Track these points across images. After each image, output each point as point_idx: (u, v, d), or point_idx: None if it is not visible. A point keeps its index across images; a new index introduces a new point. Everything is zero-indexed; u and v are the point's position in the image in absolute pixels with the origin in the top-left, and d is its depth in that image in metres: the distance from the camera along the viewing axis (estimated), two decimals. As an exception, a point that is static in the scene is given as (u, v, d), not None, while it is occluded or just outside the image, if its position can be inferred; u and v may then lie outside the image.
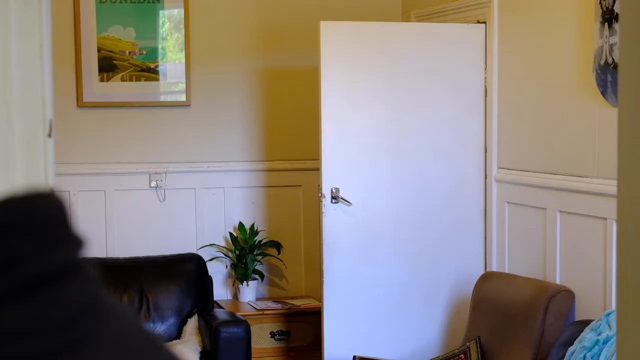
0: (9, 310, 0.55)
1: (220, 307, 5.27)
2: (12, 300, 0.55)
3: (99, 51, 5.41)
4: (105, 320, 0.59)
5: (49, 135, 1.09)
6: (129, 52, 5.46)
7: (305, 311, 5.34)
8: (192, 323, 5.05)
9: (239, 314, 5.02)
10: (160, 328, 5.02)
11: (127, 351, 0.60)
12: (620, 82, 1.05)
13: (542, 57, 4.40)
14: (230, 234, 5.54)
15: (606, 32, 3.80)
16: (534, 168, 4.49)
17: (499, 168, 4.83)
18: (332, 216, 4.77)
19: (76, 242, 0.60)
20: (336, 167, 4.77)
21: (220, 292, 5.54)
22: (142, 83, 5.49)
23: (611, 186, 3.80)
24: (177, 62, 5.55)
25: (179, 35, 5.54)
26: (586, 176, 4.06)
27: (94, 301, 0.59)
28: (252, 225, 5.56)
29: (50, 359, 0.55)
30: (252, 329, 4.91)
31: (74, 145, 5.37)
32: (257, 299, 5.54)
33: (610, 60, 3.78)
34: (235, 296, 5.57)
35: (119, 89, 5.47)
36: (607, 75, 3.82)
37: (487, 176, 4.91)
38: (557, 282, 4.25)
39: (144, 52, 5.48)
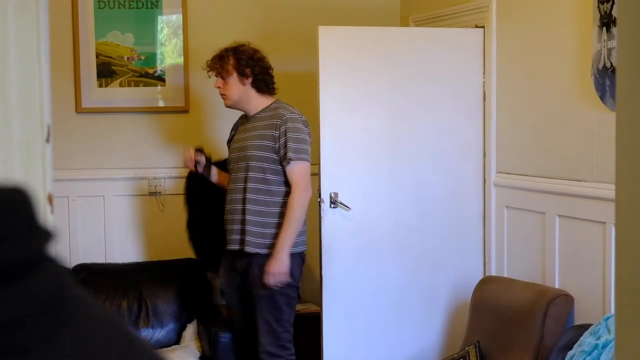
0: None
1: (220, 312, 5.26)
2: None
3: (97, 57, 5.42)
4: (69, 318, 0.58)
5: (47, 140, 1.09)
6: (128, 58, 5.46)
7: (304, 316, 5.33)
8: (191, 328, 5.04)
9: (238, 319, 5.01)
10: (159, 333, 5.02)
11: (93, 348, 0.59)
12: (618, 86, 1.05)
13: (540, 61, 4.41)
14: (229, 239, 5.53)
15: (604, 36, 3.80)
16: (533, 172, 4.49)
17: (498, 172, 4.83)
18: (331, 221, 4.77)
19: (40, 237, 0.59)
20: (335, 172, 4.77)
21: (220, 297, 5.54)
22: (141, 89, 5.49)
23: (610, 190, 3.80)
24: (175, 67, 5.56)
25: (178, 41, 5.55)
26: (585, 180, 4.06)
27: (57, 297, 0.59)
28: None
29: None
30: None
31: (72, 150, 5.37)
32: (256, 304, 5.52)
33: (608, 65, 3.78)
34: (235, 301, 5.55)
35: (117, 94, 5.47)
36: (605, 80, 3.82)
37: (486, 180, 4.91)
38: (556, 286, 4.25)
39: (143, 58, 5.49)
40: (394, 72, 4.85)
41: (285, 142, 4.32)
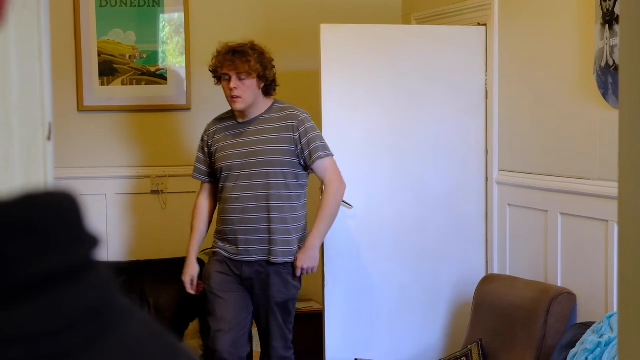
0: None
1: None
2: (1, 303, 0.54)
3: (99, 55, 5.41)
4: (113, 326, 0.58)
5: (48, 138, 1.09)
6: (130, 56, 5.46)
7: (306, 314, 5.33)
8: (193, 326, 5.04)
9: (240, 318, 5.00)
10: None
11: (136, 357, 0.59)
12: (621, 84, 1.05)
13: (542, 59, 4.40)
14: (231, 237, 5.53)
15: (607, 34, 3.80)
16: (535, 170, 4.49)
17: (500, 170, 4.83)
18: (333, 219, 4.76)
19: (86, 243, 0.59)
20: (337, 170, 4.76)
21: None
22: (143, 87, 5.49)
23: (612, 188, 3.80)
24: (177, 65, 5.55)
25: (180, 39, 5.54)
26: (587, 178, 4.06)
27: (102, 305, 0.58)
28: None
29: None
30: (253, 332, 4.90)
31: (74, 149, 5.37)
32: (259, 303, 5.52)
33: (611, 62, 3.78)
34: (237, 300, 5.56)
35: (119, 92, 5.46)
36: (607, 77, 3.81)
37: (488, 178, 4.91)
38: (559, 284, 4.25)
39: (145, 56, 5.48)
40: (396, 70, 4.85)
41: (309, 142, 4.23)
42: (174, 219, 5.50)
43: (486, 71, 4.89)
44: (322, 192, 4.74)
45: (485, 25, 4.88)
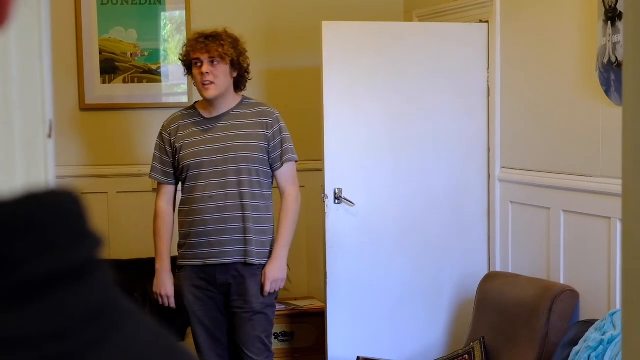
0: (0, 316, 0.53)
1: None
2: (3, 305, 0.53)
3: (100, 53, 5.41)
4: (116, 327, 0.58)
5: (49, 135, 1.09)
6: (131, 54, 5.46)
7: (308, 312, 5.33)
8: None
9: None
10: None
11: (139, 359, 0.58)
12: (625, 81, 1.04)
13: (545, 56, 4.39)
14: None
15: (609, 30, 3.79)
16: (537, 167, 4.48)
17: (502, 168, 4.82)
18: (335, 217, 4.76)
19: (89, 243, 0.59)
20: (339, 168, 4.76)
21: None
22: (144, 85, 5.49)
23: (615, 185, 3.79)
24: (179, 63, 5.55)
25: (181, 37, 5.54)
26: (590, 175, 4.05)
27: (105, 306, 0.58)
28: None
29: None
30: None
31: (76, 147, 5.37)
32: (261, 300, 5.52)
33: (613, 59, 3.77)
34: (239, 297, 5.55)
35: (120, 90, 5.46)
36: (610, 74, 3.80)
37: (490, 176, 4.90)
38: (561, 281, 4.24)
39: (146, 54, 5.48)
40: (397, 67, 4.84)
41: (282, 141, 4.06)
42: (176, 216, 5.49)
43: (488, 68, 4.88)
44: (324, 195, 4.73)
45: (487, 22, 4.87)
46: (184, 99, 5.55)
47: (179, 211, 4.20)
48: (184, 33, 5.52)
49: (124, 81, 5.46)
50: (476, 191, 4.94)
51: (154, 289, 4.24)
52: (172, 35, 5.57)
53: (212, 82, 3.97)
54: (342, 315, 4.77)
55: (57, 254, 0.56)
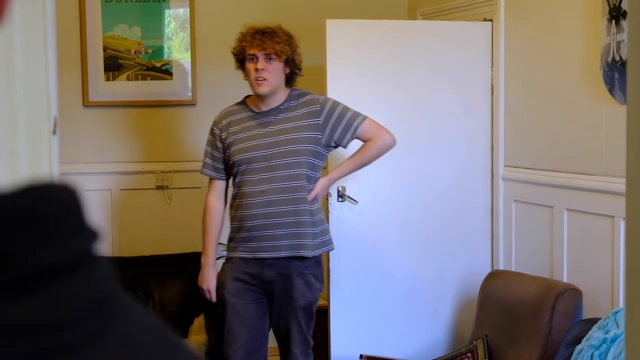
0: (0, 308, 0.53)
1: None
2: (3, 296, 0.54)
3: (104, 50, 5.41)
4: (114, 320, 0.58)
5: (54, 132, 1.09)
6: (135, 51, 5.46)
7: (311, 310, 5.33)
8: (199, 322, 5.05)
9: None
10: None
11: (137, 351, 0.58)
12: (629, 80, 1.04)
13: (548, 54, 4.39)
14: (237, 233, 5.52)
15: (613, 29, 3.78)
16: (541, 166, 4.48)
17: (506, 166, 4.82)
18: (338, 215, 4.76)
19: (87, 236, 0.59)
20: (342, 166, 4.76)
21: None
22: (148, 82, 5.49)
23: (618, 184, 3.79)
24: (183, 61, 5.55)
25: (185, 35, 5.54)
26: (593, 174, 4.05)
27: (103, 299, 0.58)
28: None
29: None
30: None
31: (79, 144, 5.37)
32: (264, 298, 5.52)
33: (617, 58, 3.76)
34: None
35: (124, 88, 5.46)
36: (614, 73, 3.80)
37: (494, 174, 4.90)
38: (564, 280, 4.24)
39: (150, 51, 5.48)
40: (401, 65, 4.84)
41: (339, 118, 4.06)
42: (179, 214, 5.50)
43: (492, 67, 4.88)
44: (328, 193, 4.69)
45: (491, 20, 4.87)
46: (188, 97, 5.55)
47: (230, 205, 4.17)
48: (188, 30, 5.52)
49: (128, 78, 5.46)
50: (479, 189, 4.94)
51: (198, 283, 4.23)
52: (176, 32, 5.57)
53: (265, 79, 3.97)
54: (345, 313, 4.77)
55: (55, 247, 0.56)
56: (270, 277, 4.04)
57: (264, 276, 4.04)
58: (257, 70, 3.96)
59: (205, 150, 4.21)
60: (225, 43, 5.61)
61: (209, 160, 4.18)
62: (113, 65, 5.43)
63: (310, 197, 4.03)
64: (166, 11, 5.52)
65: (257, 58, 3.98)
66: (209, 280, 4.16)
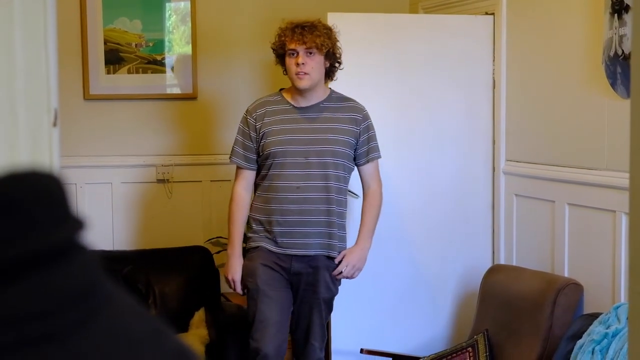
0: None
1: (228, 299, 5.26)
2: None
3: (105, 43, 5.41)
4: (99, 310, 0.57)
5: (54, 124, 1.08)
6: (136, 45, 5.45)
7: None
8: (199, 316, 5.04)
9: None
10: (166, 320, 5.01)
11: (123, 340, 0.58)
12: (633, 74, 1.03)
13: (550, 49, 4.38)
14: (237, 226, 5.52)
15: (616, 23, 3.77)
16: (543, 160, 4.47)
17: (507, 161, 4.81)
18: (339, 209, 4.75)
19: (71, 226, 0.58)
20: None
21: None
22: (149, 75, 5.48)
23: (620, 179, 3.78)
24: (183, 54, 5.54)
25: (186, 28, 5.53)
26: (595, 169, 4.05)
27: (88, 288, 0.57)
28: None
29: (27, 349, 0.53)
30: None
31: (80, 137, 5.37)
32: (264, 292, 5.52)
33: (620, 52, 3.76)
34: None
35: (125, 81, 5.46)
36: (616, 67, 3.79)
37: (495, 169, 4.89)
38: (566, 275, 4.24)
39: (151, 45, 5.47)
40: (403, 59, 4.83)
41: (369, 139, 4.08)
42: (179, 208, 5.50)
43: (494, 60, 4.87)
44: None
45: (493, 14, 4.86)
46: (189, 90, 5.54)
47: (257, 196, 4.12)
48: (189, 24, 5.51)
49: (129, 72, 5.45)
50: (481, 184, 4.94)
51: (224, 273, 4.20)
52: (176, 26, 5.56)
53: (306, 73, 3.96)
54: (345, 307, 4.77)
55: (39, 235, 0.55)
56: (298, 269, 4.04)
57: (292, 268, 4.04)
58: (297, 64, 3.95)
59: (236, 139, 4.15)
60: (226, 36, 5.62)
61: (239, 150, 4.12)
62: (114, 59, 5.43)
63: (342, 274, 4.08)
64: (167, 4, 5.51)
65: (297, 53, 3.97)
66: (234, 271, 4.12)
